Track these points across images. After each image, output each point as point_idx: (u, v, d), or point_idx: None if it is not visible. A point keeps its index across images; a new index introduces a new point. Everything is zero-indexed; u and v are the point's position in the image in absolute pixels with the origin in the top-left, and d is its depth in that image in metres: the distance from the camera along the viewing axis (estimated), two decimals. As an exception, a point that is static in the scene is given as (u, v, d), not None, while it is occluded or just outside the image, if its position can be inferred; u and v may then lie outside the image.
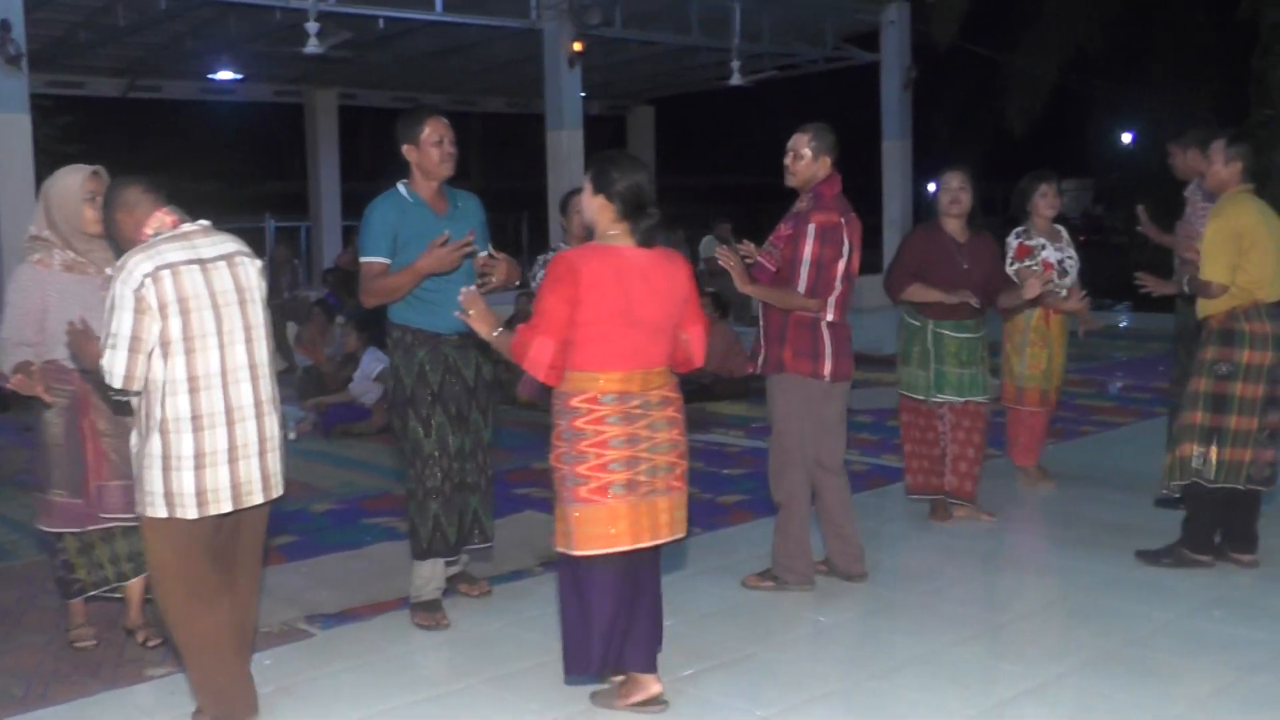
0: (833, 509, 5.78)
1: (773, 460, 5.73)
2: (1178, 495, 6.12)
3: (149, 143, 29.63)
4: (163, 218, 4.22)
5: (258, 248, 4.00)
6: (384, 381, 9.73)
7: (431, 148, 5.28)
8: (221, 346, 4.12)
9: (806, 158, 5.64)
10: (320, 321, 13.08)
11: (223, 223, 4.53)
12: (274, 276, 14.73)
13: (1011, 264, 7.25)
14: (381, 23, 16.47)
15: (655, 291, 4.31)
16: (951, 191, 6.62)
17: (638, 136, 27.27)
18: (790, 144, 5.69)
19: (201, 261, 4.13)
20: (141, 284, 4.01)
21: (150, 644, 5.14)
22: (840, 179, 5.70)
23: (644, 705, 4.41)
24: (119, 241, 4.32)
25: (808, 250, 5.47)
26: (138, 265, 4.05)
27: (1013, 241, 7.37)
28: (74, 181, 5.00)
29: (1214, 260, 5.78)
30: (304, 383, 11.39)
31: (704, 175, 29.57)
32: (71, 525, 5.06)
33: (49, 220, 5.01)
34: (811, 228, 5.48)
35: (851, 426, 9.54)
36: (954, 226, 6.65)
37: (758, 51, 19.64)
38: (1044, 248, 7.29)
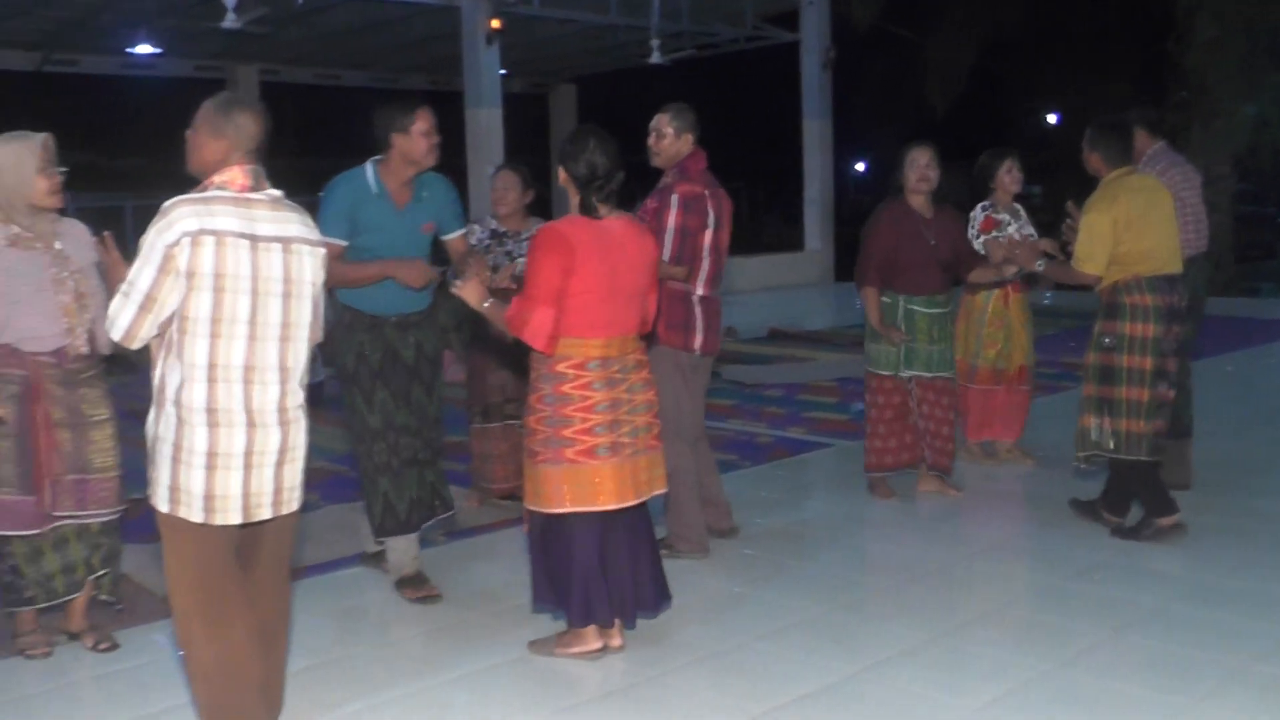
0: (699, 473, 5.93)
1: None
2: (1084, 467, 6.24)
3: (66, 118, 29.21)
4: (237, 174, 3.67)
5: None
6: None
7: (421, 138, 5.24)
8: (251, 339, 3.60)
9: (669, 136, 5.75)
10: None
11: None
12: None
13: (978, 236, 7.29)
14: (300, -2, 16.47)
15: (632, 260, 4.55)
16: (920, 168, 6.61)
17: (560, 115, 27.31)
18: (653, 124, 5.79)
19: (254, 238, 3.58)
20: (177, 241, 3.48)
21: (101, 648, 4.81)
22: (705, 155, 5.80)
23: (582, 655, 4.62)
24: (190, 161, 3.77)
25: (672, 219, 5.58)
26: (181, 219, 3.51)
27: (979, 214, 7.41)
28: (27, 149, 4.57)
29: (1088, 252, 5.88)
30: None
31: (626, 155, 29.67)
32: (20, 528, 4.61)
33: None
34: (675, 198, 5.61)
35: (760, 400, 9.93)
36: (920, 203, 6.67)
37: (677, 30, 19.75)
38: (1009, 224, 7.33)
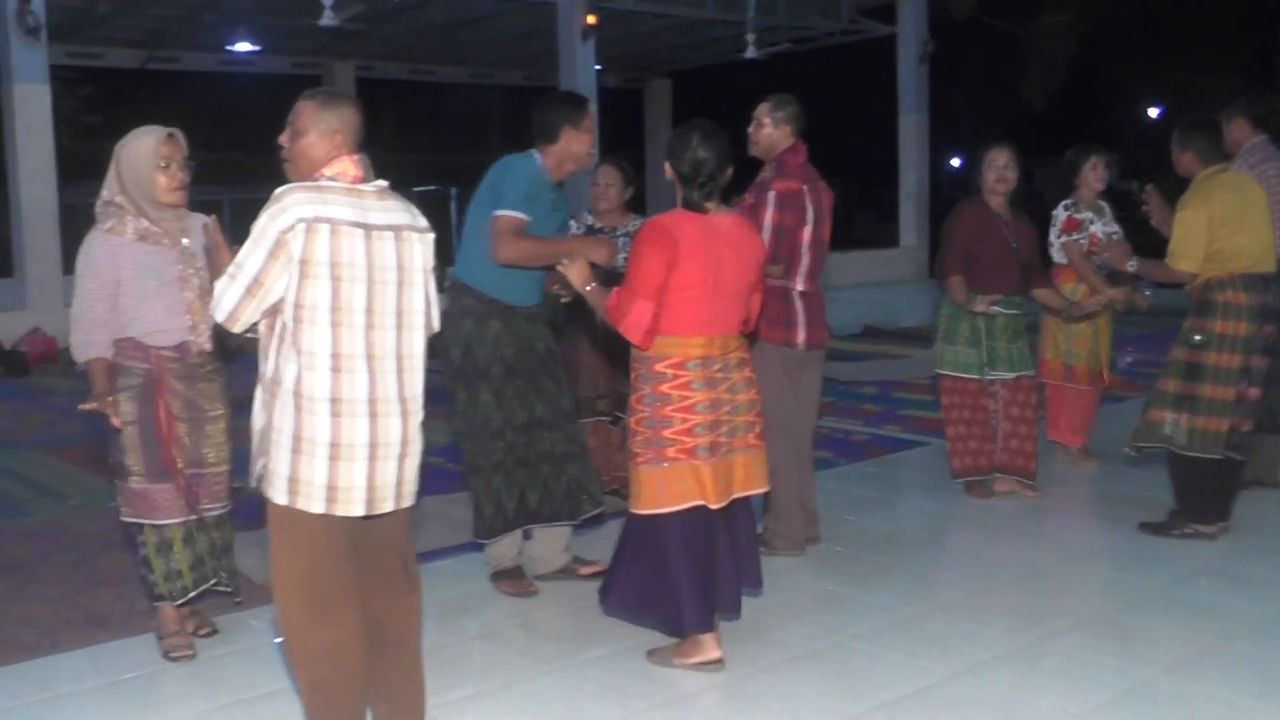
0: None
1: None
2: (1134, 455, 6.21)
3: (168, 113, 29.38)
4: (348, 165, 3.64)
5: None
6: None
7: (586, 135, 5.21)
8: (369, 328, 3.56)
9: (767, 126, 5.73)
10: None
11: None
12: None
13: (1059, 236, 7.23)
14: (396, -6, 16.65)
15: (741, 257, 4.48)
16: (998, 169, 6.57)
17: (655, 110, 27.31)
18: (755, 113, 5.77)
19: (367, 227, 3.56)
20: (292, 227, 3.44)
21: (202, 633, 4.88)
22: (805, 148, 5.76)
23: (701, 666, 4.52)
24: (290, 164, 3.72)
25: (768, 217, 5.55)
26: (296, 205, 3.47)
27: (1061, 213, 7.30)
28: (146, 145, 4.55)
29: (1184, 250, 5.81)
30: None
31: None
32: (151, 516, 4.65)
33: (121, 185, 4.57)
34: (771, 195, 5.58)
35: (855, 397, 9.87)
36: (999, 204, 6.63)
37: (773, 24, 19.69)
38: (1092, 222, 7.22)
